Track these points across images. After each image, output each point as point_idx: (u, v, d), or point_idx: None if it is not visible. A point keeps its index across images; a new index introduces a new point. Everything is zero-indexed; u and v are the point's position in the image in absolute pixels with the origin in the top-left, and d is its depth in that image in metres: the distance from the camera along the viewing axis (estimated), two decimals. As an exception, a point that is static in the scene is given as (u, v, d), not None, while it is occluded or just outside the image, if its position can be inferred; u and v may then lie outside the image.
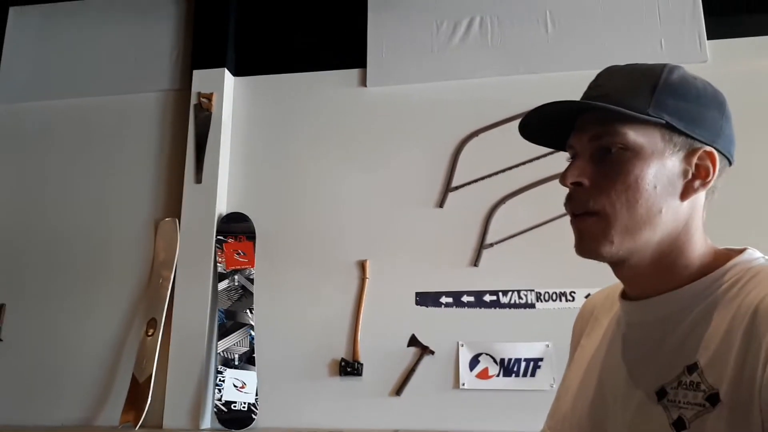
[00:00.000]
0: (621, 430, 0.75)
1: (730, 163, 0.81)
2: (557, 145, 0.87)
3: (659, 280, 0.78)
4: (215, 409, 2.46)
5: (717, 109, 0.79)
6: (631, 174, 0.75)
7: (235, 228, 2.69)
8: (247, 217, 2.72)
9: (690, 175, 0.77)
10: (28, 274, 2.84)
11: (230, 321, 2.58)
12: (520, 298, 2.48)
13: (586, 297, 1.02)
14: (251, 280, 2.64)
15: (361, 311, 2.55)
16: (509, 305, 2.48)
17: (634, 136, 0.75)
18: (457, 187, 2.62)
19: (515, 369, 2.40)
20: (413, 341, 2.49)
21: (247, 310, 2.60)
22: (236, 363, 2.53)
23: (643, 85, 0.77)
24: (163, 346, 2.57)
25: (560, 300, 2.44)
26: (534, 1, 2.75)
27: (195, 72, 2.87)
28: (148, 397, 2.48)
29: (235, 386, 2.49)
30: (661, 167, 0.76)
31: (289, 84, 2.88)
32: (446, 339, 2.48)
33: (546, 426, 1.00)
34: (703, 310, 0.73)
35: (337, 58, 2.87)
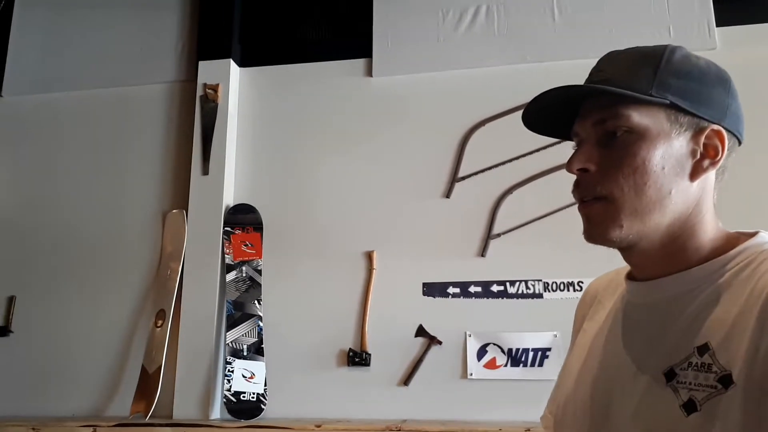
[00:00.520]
0: (628, 413, 0.74)
1: (740, 142, 0.80)
2: (563, 135, 0.86)
3: (669, 262, 0.77)
4: (224, 400, 2.48)
5: (722, 87, 0.78)
6: (638, 156, 0.74)
7: (243, 219, 2.70)
8: (254, 208, 2.72)
9: (699, 155, 0.76)
10: (38, 266, 2.85)
11: (238, 312, 2.59)
12: (527, 288, 2.47)
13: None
14: (259, 271, 2.65)
15: (369, 302, 2.55)
16: (517, 295, 2.47)
17: (639, 118, 0.75)
18: (463, 177, 2.61)
19: (523, 359, 2.40)
20: (421, 331, 2.49)
21: (255, 301, 2.61)
22: (245, 354, 2.54)
23: (645, 67, 0.76)
24: (172, 337, 2.59)
25: (568, 290, 2.43)
26: (541, -11, 2.72)
27: (201, 63, 2.87)
28: (157, 388, 2.50)
29: (244, 377, 2.50)
30: (668, 148, 0.75)
31: (295, 74, 2.87)
32: (454, 329, 2.48)
33: (547, 411, 1.00)
34: (713, 291, 0.72)
35: (342, 48, 2.85)
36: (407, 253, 2.58)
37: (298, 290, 2.63)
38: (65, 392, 2.68)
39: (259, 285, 2.63)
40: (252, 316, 2.59)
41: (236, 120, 2.85)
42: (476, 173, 2.60)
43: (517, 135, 2.50)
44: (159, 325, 2.61)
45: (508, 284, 2.49)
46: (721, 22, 2.53)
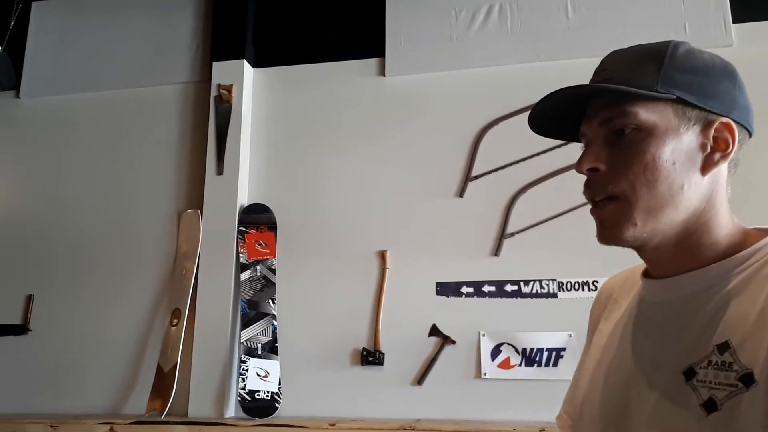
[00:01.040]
0: (646, 412, 0.74)
1: (750, 134, 0.79)
2: (571, 137, 0.86)
3: (685, 258, 0.76)
4: (239, 398, 2.49)
5: (728, 79, 0.77)
6: (648, 153, 0.73)
7: (257, 219, 2.71)
8: (268, 207, 2.73)
9: (709, 149, 0.75)
10: (55, 265, 2.89)
11: (253, 311, 2.61)
12: (542, 287, 2.46)
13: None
14: (273, 271, 2.66)
15: (382, 301, 2.56)
16: (531, 295, 2.46)
17: (646, 114, 0.74)
18: (477, 177, 2.60)
19: (537, 359, 2.39)
20: (434, 331, 2.49)
21: (270, 300, 2.62)
22: (259, 352, 2.56)
23: (649, 64, 0.76)
24: (188, 336, 2.61)
25: (582, 289, 2.42)
26: (554, -13, 2.71)
27: (215, 64, 2.89)
28: (173, 387, 2.52)
29: (258, 375, 2.52)
30: (677, 143, 0.74)
31: (308, 74, 2.88)
32: (467, 329, 2.47)
33: (562, 410, 0.99)
34: (733, 288, 0.71)
35: (355, 47, 2.86)
36: (420, 252, 2.58)
37: (312, 289, 2.63)
38: (82, 390, 2.71)
39: (273, 284, 2.64)
40: (266, 315, 2.61)
41: (250, 120, 2.87)
42: (489, 172, 2.60)
43: (530, 134, 2.48)
44: (174, 323, 2.64)
45: (522, 284, 2.48)
46: (737, 18, 2.50)
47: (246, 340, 2.57)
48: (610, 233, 0.76)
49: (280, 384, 2.52)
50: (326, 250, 2.66)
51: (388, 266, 2.58)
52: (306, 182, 2.76)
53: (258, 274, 2.65)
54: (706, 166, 0.75)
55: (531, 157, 2.54)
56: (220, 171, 2.75)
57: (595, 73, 0.81)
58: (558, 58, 2.62)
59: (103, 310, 2.78)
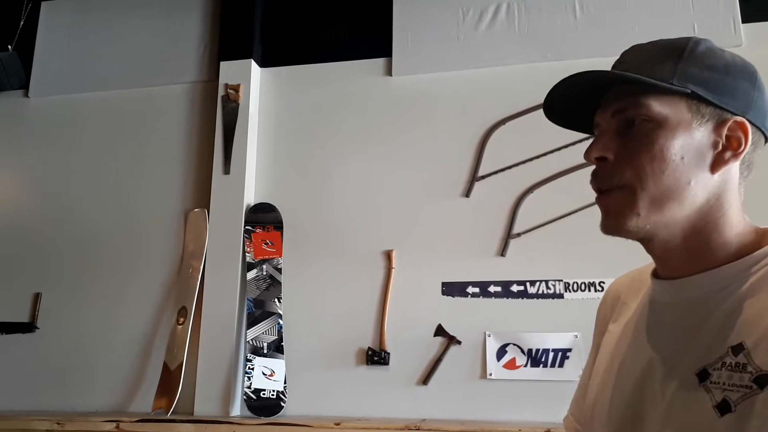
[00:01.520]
0: (659, 414, 0.73)
1: (766, 138, 0.78)
2: (585, 129, 0.85)
3: (695, 258, 0.75)
4: (245, 397, 2.50)
5: (747, 80, 0.76)
6: (656, 144, 0.73)
7: (263, 218, 2.72)
8: (275, 207, 2.74)
9: (720, 147, 0.74)
10: (63, 264, 2.90)
11: (259, 310, 2.61)
12: (548, 288, 2.45)
13: (612, 284, 1.00)
14: (279, 270, 2.67)
15: (388, 301, 2.56)
16: (537, 295, 2.46)
17: (659, 107, 0.73)
18: (483, 177, 2.60)
19: (543, 359, 2.39)
20: (440, 331, 2.49)
21: (276, 299, 2.63)
22: (265, 351, 2.56)
23: (668, 58, 0.75)
24: (194, 334, 2.62)
25: (589, 290, 2.41)
26: (562, -13, 2.70)
27: (222, 63, 2.90)
28: (179, 385, 2.53)
29: (264, 374, 2.52)
30: (688, 138, 0.73)
31: (315, 74, 2.88)
32: (473, 329, 2.47)
33: (569, 413, 0.98)
34: (747, 289, 0.70)
35: (362, 47, 2.86)
36: (426, 252, 2.57)
37: (318, 288, 2.64)
38: (89, 388, 2.72)
39: (280, 283, 2.65)
40: (272, 314, 2.61)
41: (257, 120, 2.87)
42: (496, 172, 2.59)
43: (537, 134, 2.51)
44: (181, 322, 2.64)
45: (528, 284, 2.47)
46: (746, 18, 2.49)
47: (252, 339, 2.58)
48: (613, 222, 0.76)
49: (285, 383, 2.52)
50: (332, 249, 2.66)
51: (394, 266, 2.58)
52: (313, 182, 2.77)
53: (264, 273, 2.66)
54: (716, 164, 0.74)
55: (538, 157, 2.53)
56: (227, 170, 2.75)
57: (614, 66, 0.81)
58: (565, 58, 2.61)
59: (110, 308, 2.80)
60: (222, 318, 2.61)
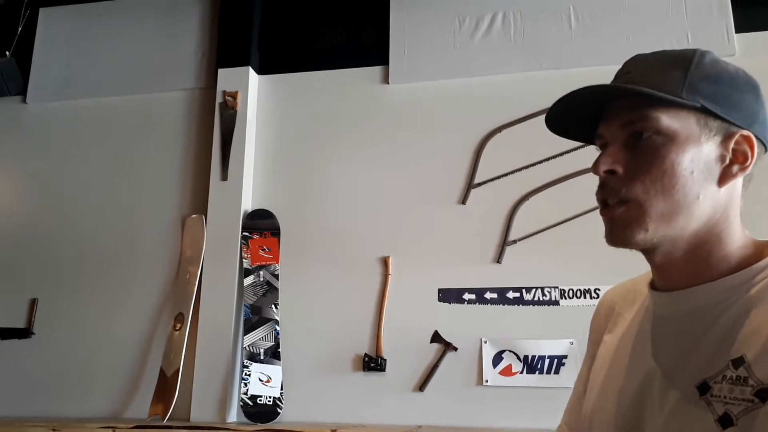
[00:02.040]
0: (658, 426, 0.73)
1: (766, 149, 0.79)
2: (584, 138, 0.85)
3: (695, 270, 0.75)
4: (241, 403, 2.50)
5: (751, 93, 0.77)
6: (667, 159, 0.73)
7: (260, 224, 2.73)
8: (272, 213, 2.75)
9: (728, 161, 0.74)
10: (60, 269, 2.90)
11: (256, 316, 2.62)
12: (543, 295, 2.47)
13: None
14: (276, 276, 2.67)
15: (384, 307, 2.56)
16: (533, 302, 2.47)
17: (668, 121, 0.73)
18: (479, 184, 2.62)
19: (539, 366, 2.40)
20: (436, 337, 2.50)
21: (272, 306, 2.63)
22: (262, 357, 2.56)
23: (675, 70, 0.75)
24: (191, 340, 2.62)
25: (584, 297, 2.42)
26: (558, -4, 2.73)
27: (220, 71, 2.91)
28: (175, 391, 2.52)
29: (260, 380, 2.52)
30: (697, 152, 0.73)
31: (312, 82, 2.90)
32: (469, 335, 2.48)
33: (563, 422, 0.98)
34: (746, 302, 0.70)
35: (359, 55, 2.88)
36: (423, 258, 2.58)
37: (315, 295, 2.64)
38: (85, 393, 2.72)
39: (276, 289, 2.65)
40: (269, 320, 2.61)
41: (255, 126, 2.88)
42: (492, 179, 2.61)
43: (533, 141, 2.53)
44: (177, 328, 2.64)
45: (524, 291, 2.49)
46: (740, 28, 2.52)
47: (248, 345, 2.58)
48: (620, 235, 0.75)
49: (282, 389, 2.53)
50: (329, 255, 2.67)
51: (390, 272, 2.59)
52: (310, 188, 2.78)
53: (261, 279, 2.66)
54: (724, 178, 0.74)
55: (534, 164, 2.55)
56: (224, 177, 2.76)
57: (617, 76, 0.80)
58: (561, 67, 2.63)
59: (107, 314, 2.80)
60: (219, 324, 2.61)
